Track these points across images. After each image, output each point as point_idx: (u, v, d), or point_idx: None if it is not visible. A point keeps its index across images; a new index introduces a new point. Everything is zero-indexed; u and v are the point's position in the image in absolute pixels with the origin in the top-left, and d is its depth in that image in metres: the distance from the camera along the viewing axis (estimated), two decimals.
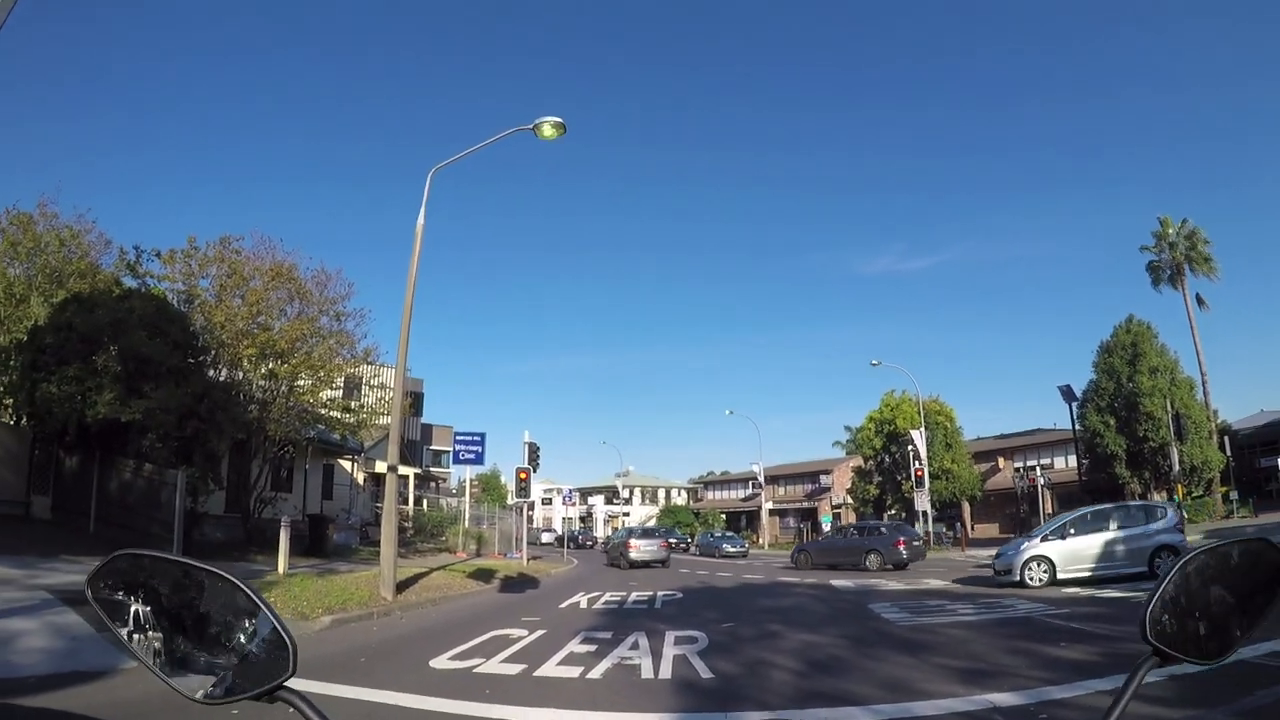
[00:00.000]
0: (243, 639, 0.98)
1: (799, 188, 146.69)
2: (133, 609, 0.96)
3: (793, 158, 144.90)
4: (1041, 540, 18.75)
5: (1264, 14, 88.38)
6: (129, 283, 21.29)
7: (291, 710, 1.06)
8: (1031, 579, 17.89)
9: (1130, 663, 0.90)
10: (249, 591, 0.97)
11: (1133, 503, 21.58)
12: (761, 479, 61.69)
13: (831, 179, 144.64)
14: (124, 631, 0.96)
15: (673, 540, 50.96)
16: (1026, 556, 18.34)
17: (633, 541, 31.21)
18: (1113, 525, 18.26)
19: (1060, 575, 17.78)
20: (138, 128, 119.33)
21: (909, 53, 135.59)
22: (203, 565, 0.99)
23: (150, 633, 0.96)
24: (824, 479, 70.77)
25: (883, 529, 29.90)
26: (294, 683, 1.04)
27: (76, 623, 8.47)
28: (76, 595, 9.81)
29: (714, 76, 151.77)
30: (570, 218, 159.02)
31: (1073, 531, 18.52)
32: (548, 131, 15.90)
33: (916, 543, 28.29)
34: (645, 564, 29.56)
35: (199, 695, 0.98)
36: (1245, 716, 5.65)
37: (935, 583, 20.24)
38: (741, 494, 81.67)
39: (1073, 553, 18.07)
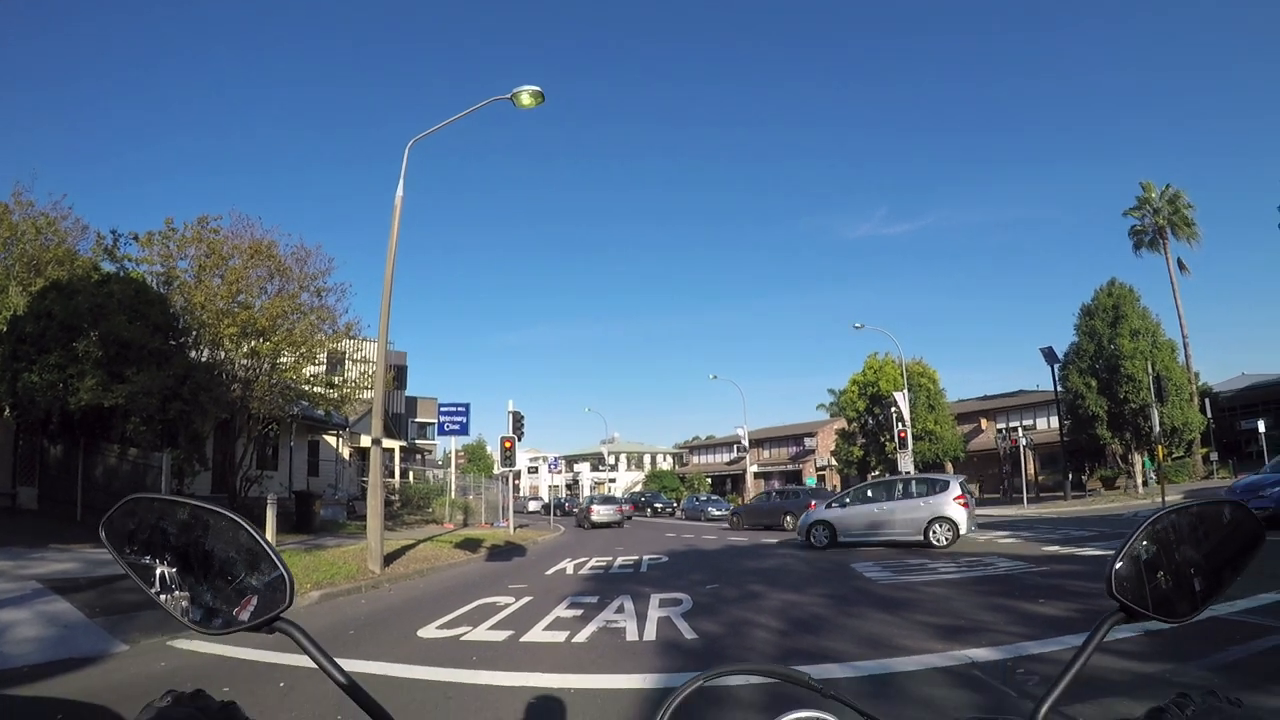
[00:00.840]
0: (244, 573, 1.04)
1: (782, 155, 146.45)
2: (143, 549, 1.02)
3: (776, 126, 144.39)
4: (826, 507, 21.12)
5: None
6: (107, 267, 21.03)
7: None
8: (815, 541, 20.31)
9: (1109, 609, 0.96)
10: (250, 529, 1.02)
11: (918, 475, 24.52)
12: (746, 442, 61.89)
13: (815, 146, 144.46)
14: (135, 570, 1.01)
15: (658, 505, 53.34)
16: (810, 521, 20.93)
17: (594, 507, 38.99)
18: (894, 496, 20.21)
19: (840, 539, 20.02)
20: (112, 110, 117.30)
21: (896, 24, 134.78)
22: (208, 506, 1.04)
23: (159, 570, 1.01)
24: (808, 441, 71.25)
25: (800, 493, 32.95)
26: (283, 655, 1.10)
27: (68, 610, 8.52)
28: (67, 583, 9.86)
29: (699, 45, 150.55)
30: (553, 188, 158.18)
31: (848, 501, 20.87)
32: (526, 100, 15.77)
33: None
34: (606, 524, 36.86)
35: (205, 628, 1.03)
36: (1218, 671, 5.77)
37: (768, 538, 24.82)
38: (726, 458, 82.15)
39: (849, 520, 20.25)
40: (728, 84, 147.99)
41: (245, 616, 1.01)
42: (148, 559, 1.02)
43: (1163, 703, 0.89)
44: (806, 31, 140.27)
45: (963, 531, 18.51)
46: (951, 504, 18.88)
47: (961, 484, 19.69)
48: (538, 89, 15.71)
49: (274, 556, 1.03)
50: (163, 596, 1.00)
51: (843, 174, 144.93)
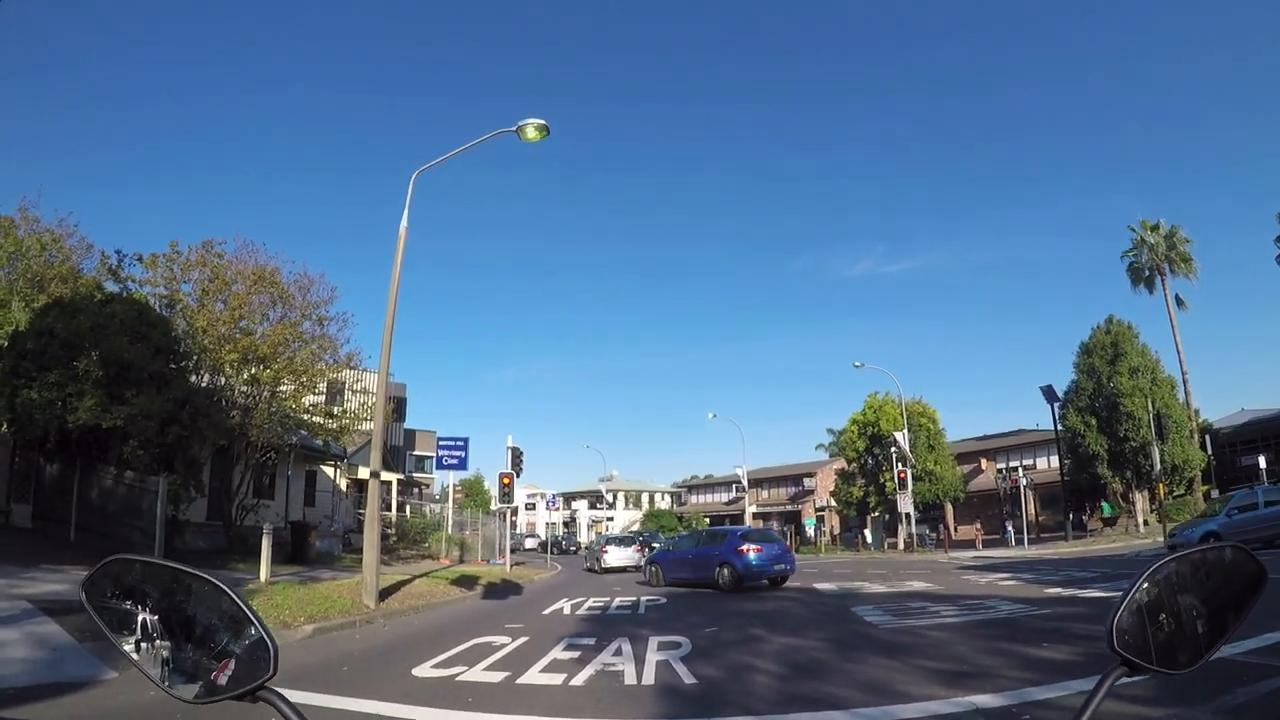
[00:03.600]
0: (227, 641, 0.99)
1: (782, 190, 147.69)
2: (125, 612, 0.98)
3: (776, 160, 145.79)
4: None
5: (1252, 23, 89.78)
6: (110, 287, 21.08)
7: None
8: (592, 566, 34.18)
9: (1111, 662, 0.91)
10: (233, 595, 0.99)
11: (618, 534, 40.48)
12: (745, 482, 61.60)
13: (815, 182, 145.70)
14: (116, 634, 0.97)
15: (655, 544, 54.90)
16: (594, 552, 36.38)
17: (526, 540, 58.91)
18: (600, 544, 35.54)
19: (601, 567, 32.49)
20: (120, 128, 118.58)
21: (896, 65, 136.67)
22: (191, 570, 1.01)
23: (141, 635, 0.97)
24: (807, 482, 70.89)
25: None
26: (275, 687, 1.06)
27: (58, 632, 8.39)
28: (58, 605, 9.72)
29: (700, 80, 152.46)
30: (555, 223, 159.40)
31: (596, 545, 38.55)
32: (531, 134, 15.90)
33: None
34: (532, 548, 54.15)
35: (185, 695, 0.99)
36: (1226, 715, 5.64)
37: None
38: (725, 497, 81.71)
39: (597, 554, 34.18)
40: (732, 115, 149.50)
41: (226, 684, 0.97)
42: (129, 623, 0.98)
43: None
44: (809, 63, 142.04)
45: (610, 563, 31.64)
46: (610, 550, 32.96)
47: (607, 539, 34.35)
48: (543, 122, 15.87)
49: (258, 624, 0.99)
50: (141, 660, 0.96)
51: (842, 211, 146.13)
